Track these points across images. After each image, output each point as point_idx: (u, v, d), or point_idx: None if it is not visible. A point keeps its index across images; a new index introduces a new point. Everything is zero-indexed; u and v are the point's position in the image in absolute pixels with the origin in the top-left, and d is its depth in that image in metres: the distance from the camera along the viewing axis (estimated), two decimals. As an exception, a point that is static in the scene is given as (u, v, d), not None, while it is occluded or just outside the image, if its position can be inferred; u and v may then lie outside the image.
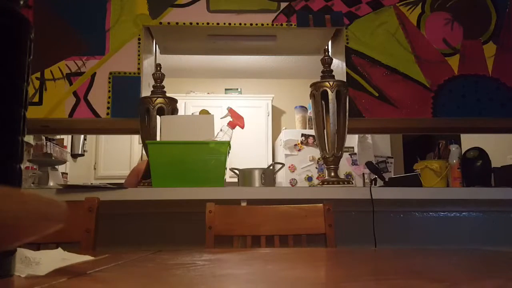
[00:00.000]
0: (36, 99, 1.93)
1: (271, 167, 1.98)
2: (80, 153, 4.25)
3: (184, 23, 2.02)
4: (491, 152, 1.92)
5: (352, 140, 4.20)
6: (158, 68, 1.92)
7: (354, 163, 4.19)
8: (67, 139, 3.95)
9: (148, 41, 2.12)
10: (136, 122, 1.88)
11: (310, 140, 4.26)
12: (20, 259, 0.52)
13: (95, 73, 1.97)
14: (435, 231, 1.81)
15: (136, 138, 4.81)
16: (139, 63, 1.99)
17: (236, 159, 4.01)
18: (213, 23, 2.03)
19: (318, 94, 1.79)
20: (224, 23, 2.03)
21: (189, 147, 1.66)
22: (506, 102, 2.01)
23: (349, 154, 4.19)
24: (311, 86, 1.84)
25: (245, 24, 2.04)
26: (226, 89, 5.25)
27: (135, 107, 1.90)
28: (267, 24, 2.04)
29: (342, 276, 0.56)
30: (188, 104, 4.90)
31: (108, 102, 1.95)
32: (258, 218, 1.40)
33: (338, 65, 2.09)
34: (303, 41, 2.26)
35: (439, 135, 3.00)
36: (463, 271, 0.63)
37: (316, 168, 4.24)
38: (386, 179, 2.17)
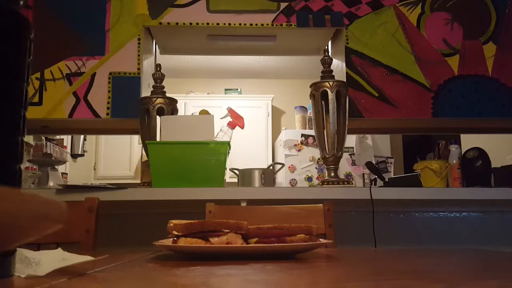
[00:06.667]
0: (36, 99, 1.93)
1: (271, 167, 1.98)
2: (80, 153, 4.25)
3: (184, 23, 2.02)
4: (491, 152, 1.92)
5: (352, 140, 4.20)
6: (158, 68, 1.92)
7: (354, 163, 4.18)
8: (67, 139, 3.94)
9: (148, 41, 2.12)
10: (136, 122, 1.88)
11: (310, 140, 4.26)
12: (20, 259, 0.52)
13: (95, 73, 1.97)
14: (435, 231, 1.81)
15: (136, 138, 4.81)
16: (139, 63, 1.99)
17: (236, 159, 4.01)
18: (213, 23, 2.03)
19: (318, 94, 1.79)
20: (224, 23, 2.03)
21: (189, 147, 1.66)
22: (506, 102, 2.01)
23: (349, 154, 4.18)
24: (311, 86, 1.84)
25: (245, 24, 2.04)
26: (226, 89, 5.25)
27: (135, 107, 1.90)
28: (267, 24, 2.04)
29: (342, 276, 0.56)
30: (188, 104, 4.90)
31: (108, 102, 1.95)
32: (258, 218, 1.39)
33: (338, 65, 2.09)
34: (303, 41, 2.26)
35: (439, 135, 3.00)
36: (463, 271, 0.63)
37: (316, 168, 4.24)
38: (386, 179, 2.17)
